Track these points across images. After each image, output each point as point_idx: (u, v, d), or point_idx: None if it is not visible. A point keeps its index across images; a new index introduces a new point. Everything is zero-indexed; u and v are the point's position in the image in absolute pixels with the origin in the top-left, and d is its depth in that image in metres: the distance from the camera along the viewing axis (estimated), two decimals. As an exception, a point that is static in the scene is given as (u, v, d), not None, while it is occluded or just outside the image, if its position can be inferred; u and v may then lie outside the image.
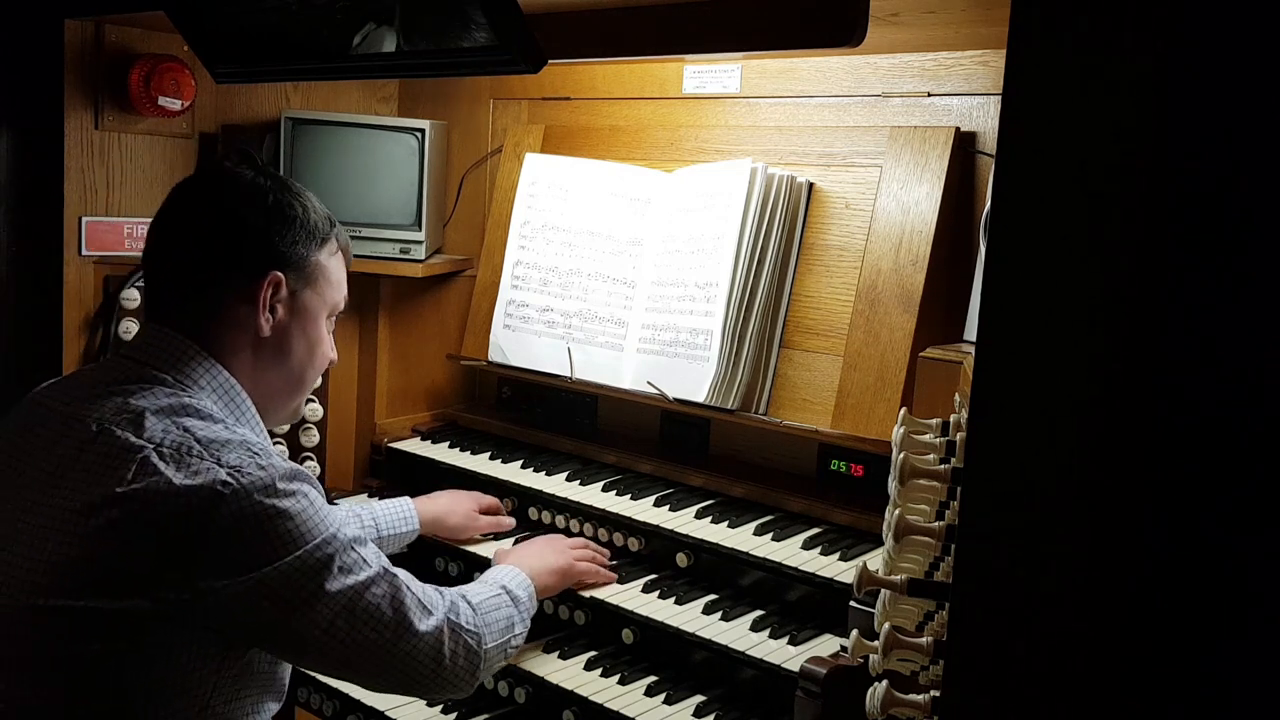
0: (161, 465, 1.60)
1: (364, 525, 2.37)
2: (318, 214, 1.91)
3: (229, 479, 1.60)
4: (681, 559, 2.30)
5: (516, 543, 2.41)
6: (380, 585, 1.73)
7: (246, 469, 1.62)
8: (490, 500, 2.56)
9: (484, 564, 2.38)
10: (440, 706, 2.31)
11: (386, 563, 1.78)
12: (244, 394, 1.84)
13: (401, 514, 2.41)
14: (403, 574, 1.80)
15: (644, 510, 2.37)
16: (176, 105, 2.74)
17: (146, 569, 1.58)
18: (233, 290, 1.82)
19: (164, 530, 1.58)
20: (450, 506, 2.50)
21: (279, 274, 1.84)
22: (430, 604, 1.81)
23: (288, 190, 1.88)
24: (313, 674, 2.43)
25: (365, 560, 1.73)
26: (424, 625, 1.77)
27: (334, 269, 1.95)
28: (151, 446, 1.62)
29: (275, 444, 2.89)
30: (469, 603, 1.91)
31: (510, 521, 2.54)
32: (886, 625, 1.38)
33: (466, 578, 2.31)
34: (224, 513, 1.59)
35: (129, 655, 1.60)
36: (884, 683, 1.36)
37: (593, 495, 2.45)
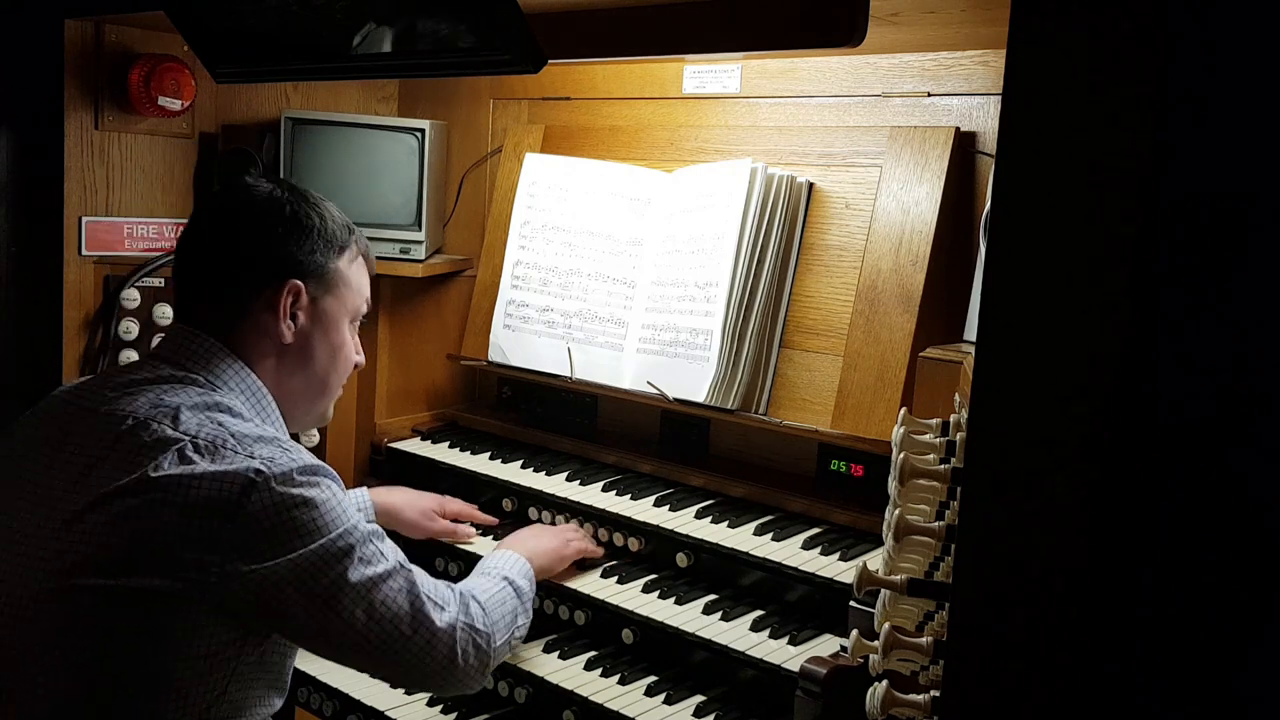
0: (196, 456, 1.67)
1: None
2: (335, 223, 1.98)
3: (262, 468, 1.67)
4: (681, 559, 2.30)
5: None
6: (397, 579, 1.78)
7: (278, 460, 1.69)
8: (458, 506, 2.54)
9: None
10: (440, 706, 2.31)
11: (403, 558, 1.83)
12: (269, 396, 1.91)
13: (358, 504, 2.42)
14: (417, 570, 1.85)
15: (644, 510, 2.37)
16: (176, 105, 2.74)
17: (175, 549, 1.62)
18: (255, 298, 1.90)
19: (195, 512, 1.63)
20: (405, 502, 2.50)
21: (298, 282, 1.91)
22: (443, 600, 1.86)
23: (305, 201, 1.96)
24: (312, 674, 2.43)
25: (383, 553, 1.78)
26: (439, 622, 1.83)
27: (354, 275, 2.02)
28: (188, 439, 1.69)
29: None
30: (478, 601, 1.95)
31: (471, 531, 2.51)
32: (886, 625, 1.38)
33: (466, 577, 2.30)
34: (254, 499, 1.65)
35: (153, 637, 1.64)
36: (884, 683, 1.36)
37: (593, 495, 2.45)
